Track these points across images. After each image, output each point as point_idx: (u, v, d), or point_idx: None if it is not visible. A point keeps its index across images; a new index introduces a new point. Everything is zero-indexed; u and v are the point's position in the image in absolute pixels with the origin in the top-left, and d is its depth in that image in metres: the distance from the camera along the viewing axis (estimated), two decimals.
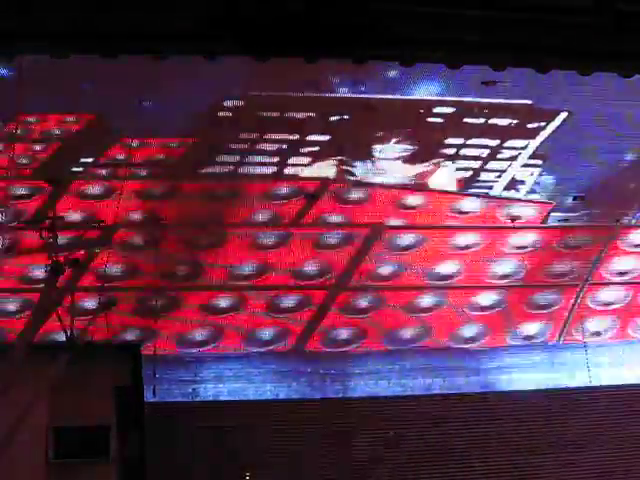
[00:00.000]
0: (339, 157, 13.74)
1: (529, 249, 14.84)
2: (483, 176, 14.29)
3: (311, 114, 13.18)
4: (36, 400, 10.20)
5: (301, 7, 8.95)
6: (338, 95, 13.03)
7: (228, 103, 12.97)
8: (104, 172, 13.52)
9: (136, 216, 13.70)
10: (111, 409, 11.30)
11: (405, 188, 14.27)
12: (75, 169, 13.47)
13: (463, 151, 13.96)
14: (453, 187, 14.32)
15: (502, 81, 12.38)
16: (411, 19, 9.75)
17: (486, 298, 14.88)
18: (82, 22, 9.38)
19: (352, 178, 13.98)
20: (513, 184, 14.40)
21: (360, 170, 13.90)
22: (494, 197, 14.51)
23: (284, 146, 13.47)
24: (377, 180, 14.10)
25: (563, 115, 13.76)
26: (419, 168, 14.04)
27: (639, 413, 14.52)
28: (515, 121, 13.76)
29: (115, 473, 11.27)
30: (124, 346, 12.54)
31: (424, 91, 13.06)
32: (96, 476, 11.22)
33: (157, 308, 13.68)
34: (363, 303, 14.44)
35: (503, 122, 13.76)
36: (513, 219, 14.63)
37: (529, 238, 14.80)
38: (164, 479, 12.44)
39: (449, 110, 13.45)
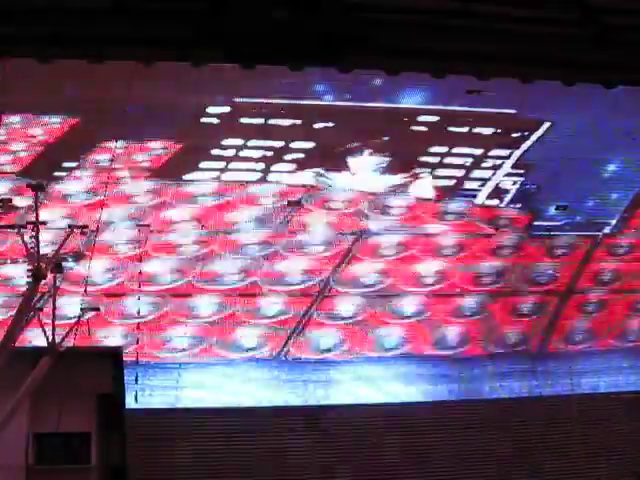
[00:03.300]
0: (321, 167, 13.78)
1: (512, 257, 14.90)
2: (467, 184, 14.36)
3: (296, 121, 13.21)
4: (17, 406, 10.11)
5: (286, 16, 8.99)
6: (323, 103, 13.07)
7: (213, 109, 12.97)
8: (87, 176, 13.46)
9: (119, 220, 13.65)
10: (93, 415, 11.25)
11: (387, 195, 14.31)
12: (58, 173, 13.41)
13: (447, 160, 14.03)
14: (431, 196, 14.38)
15: (486, 90, 12.44)
16: (395, 29, 9.82)
17: (469, 305, 14.91)
18: (68, 26, 9.39)
19: (333, 187, 14.02)
20: (496, 193, 14.48)
21: (341, 180, 13.95)
22: (477, 205, 14.57)
23: (268, 153, 13.49)
24: (359, 188, 14.14)
25: (546, 125, 13.85)
26: (400, 178, 14.11)
27: (621, 420, 14.58)
28: (499, 130, 13.84)
29: (96, 479, 11.22)
30: (106, 352, 12.48)
31: (408, 100, 13.12)
32: None
33: (140, 314, 13.64)
34: (347, 309, 14.45)
35: (487, 131, 13.84)
36: (496, 227, 14.71)
37: (512, 246, 14.87)
38: None
39: (433, 119, 13.52)
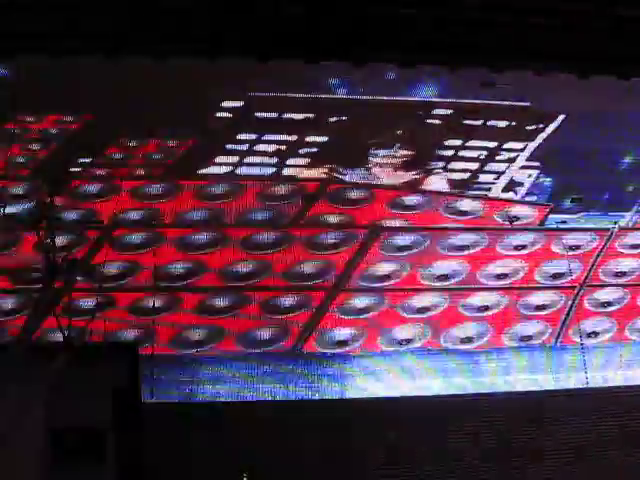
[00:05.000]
0: (335, 163, 13.78)
1: (527, 251, 14.86)
2: (481, 178, 14.33)
3: (310, 115, 13.21)
4: (33, 401, 10.16)
5: (301, 10, 8.99)
6: (337, 96, 13.06)
7: (227, 104, 12.98)
8: (102, 172, 13.52)
9: (134, 216, 13.69)
10: (108, 410, 11.27)
11: (402, 189, 14.30)
12: (73, 169, 13.46)
13: (461, 153, 14.00)
14: (447, 190, 14.36)
15: (501, 83, 12.41)
16: (409, 22, 9.80)
17: (484, 299, 14.88)
18: (81, 23, 9.42)
19: (347, 180, 14.03)
20: (511, 186, 14.44)
21: (355, 175, 13.94)
22: (492, 199, 14.54)
23: (282, 147, 13.49)
24: (374, 182, 14.14)
25: (561, 117, 13.80)
26: (414, 173, 14.09)
27: (636, 414, 14.52)
28: (513, 123, 13.80)
29: (112, 475, 11.23)
30: (122, 347, 12.50)
31: (422, 93, 13.10)
32: (93, 477, 11.19)
33: (155, 308, 13.68)
34: (361, 304, 14.45)
35: (501, 124, 13.80)
36: (511, 221, 14.66)
37: (527, 240, 14.83)
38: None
39: (447, 112, 13.49)
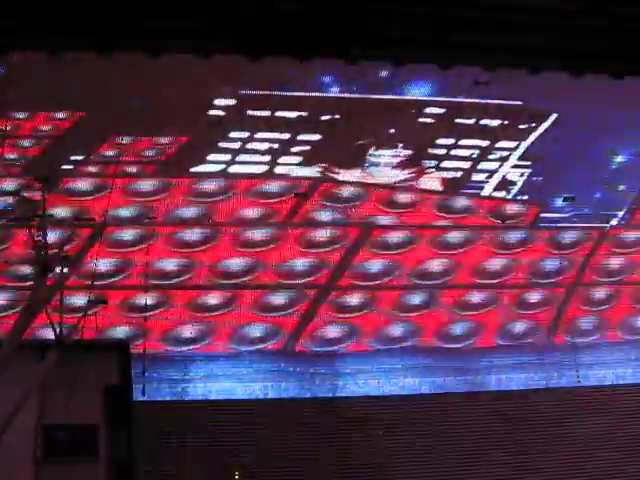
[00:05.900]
0: (327, 161, 13.78)
1: (519, 249, 14.88)
2: (474, 177, 14.35)
3: (302, 113, 13.21)
4: (25, 398, 10.13)
5: (297, 8, 9.00)
6: (330, 95, 13.07)
7: (219, 102, 12.97)
8: (94, 170, 13.49)
9: (126, 213, 13.67)
10: (100, 408, 11.27)
11: (394, 188, 14.31)
12: (65, 166, 13.43)
13: (454, 152, 14.02)
14: (439, 189, 14.38)
15: (493, 82, 12.43)
16: (403, 20, 9.80)
17: (475, 298, 14.90)
18: (77, 20, 9.40)
19: (340, 179, 14.05)
20: (503, 185, 14.46)
21: (347, 174, 13.96)
22: (485, 197, 14.56)
23: (275, 145, 13.49)
24: (366, 180, 14.15)
25: (554, 116, 13.82)
26: (407, 172, 14.11)
27: (626, 412, 14.57)
28: (506, 122, 13.82)
29: (104, 472, 11.24)
30: (113, 345, 12.48)
31: (415, 91, 13.11)
32: (85, 474, 11.19)
33: (147, 306, 13.65)
34: (353, 302, 14.45)
35: (494, 123, 13.81)
36: (503, 219, 14.69)
37: (519, 239, 14.85)
38: (153, 478, 12.42)
39: (440, 110, 13.50)
